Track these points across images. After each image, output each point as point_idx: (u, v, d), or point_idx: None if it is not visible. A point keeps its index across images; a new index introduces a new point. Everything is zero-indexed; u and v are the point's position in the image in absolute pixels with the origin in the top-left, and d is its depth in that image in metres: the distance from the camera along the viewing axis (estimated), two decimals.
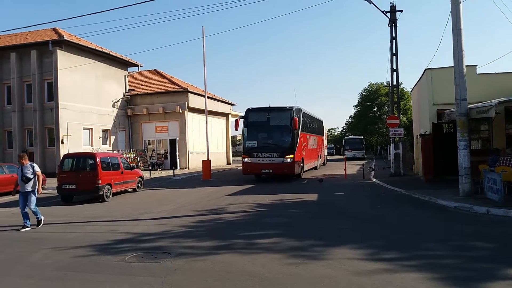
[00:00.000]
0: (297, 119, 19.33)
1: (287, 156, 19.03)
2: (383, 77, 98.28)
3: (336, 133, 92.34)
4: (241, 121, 20.68)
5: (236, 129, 20.82)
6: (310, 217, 10.34)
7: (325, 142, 37.56)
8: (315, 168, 27.04)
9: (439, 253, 6.52)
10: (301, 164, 20.93)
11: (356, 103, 62.54)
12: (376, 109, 58.56)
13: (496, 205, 10.35)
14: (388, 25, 21.24)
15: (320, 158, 30.26)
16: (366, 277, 5.42)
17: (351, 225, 9.14)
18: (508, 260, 6.04)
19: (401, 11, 21.04)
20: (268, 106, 20.76)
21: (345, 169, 21.76)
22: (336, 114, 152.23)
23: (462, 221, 9.28)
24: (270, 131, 19.96)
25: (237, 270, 5.91)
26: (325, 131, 37.15)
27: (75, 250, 7.46)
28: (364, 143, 52.89)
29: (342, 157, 35.09)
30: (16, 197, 10.48)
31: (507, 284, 5.03)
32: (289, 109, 19.81)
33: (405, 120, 43.81)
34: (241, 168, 21.16)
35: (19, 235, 9.33)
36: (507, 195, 11.31)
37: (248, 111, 20.41)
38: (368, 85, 59.69)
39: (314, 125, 27.36)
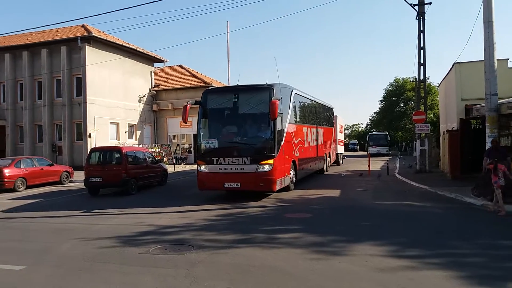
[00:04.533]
0: (277, 102, 11.67)
1: (263, 162, 12.06)
2: (409, 71, 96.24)
3: (360, 129, 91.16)
4: (195, 110, 13.81)
5: (185, 120, 12.95)
6: (332, 213, 10.28)
7: (339, 135, 28.98)
8: (320, 171, 20.73)
9: (464, 252, 6.42)
10: (291, 172, 13.99)
11: (382, 98, 61.57)
12: (402, 104, 57.47)
13: None
14: (416, 18, 20.79)
15: (329, 157, 23.29)
16: (388, 273, 5.37)
17: (373, 221, 9.04)
18: None
19: (430, 3, 20.53)
20: (236, 85, 14.40)
21: (368, 165, 21.48)
22: (361, 109, 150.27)
23: (488, 219, 9.05)
24: (238, 123, 12.96)
25: (259, 264, 5.96)
26: (339, 121, 28.25)
27: (101, 241, 7.68)
28: (389, 139, 52.06)
29: (365, 153, 33.82)
30: (45, 189, 10.82)
31: None
32: (268, 88, 12.50)
33: (431, 115, 42.83)
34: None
35: (47, 226, 9.65)
36: None
37: (207, 93, 13.42)
38: (394, 80, 58.61)
39: (317, 113, 20.36)
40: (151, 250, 6.92)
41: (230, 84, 23.67)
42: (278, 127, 12.57)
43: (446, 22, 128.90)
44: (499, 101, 12.37)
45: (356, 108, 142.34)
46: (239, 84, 14.15)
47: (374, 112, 69.00)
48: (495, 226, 8.41)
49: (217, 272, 5.64)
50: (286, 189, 13.66)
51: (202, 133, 13.05)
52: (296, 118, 15.51)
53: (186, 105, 13.03)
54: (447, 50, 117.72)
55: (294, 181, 14.47)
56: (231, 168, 12.30)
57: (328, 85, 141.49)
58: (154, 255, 6.67)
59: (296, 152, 14.96)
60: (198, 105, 13.23)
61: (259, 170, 12.08)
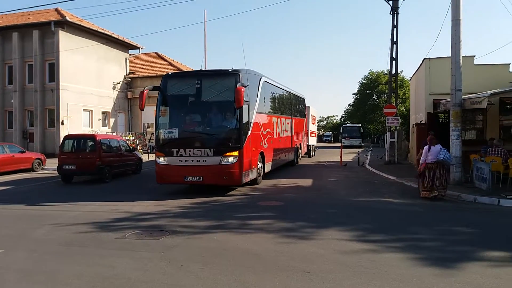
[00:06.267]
0: (243, 89, 10.90)
1: (227, 154, 11.35)
2: (384, 65, 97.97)
3: (335, 121, 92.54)
4: (153, 97, 13.28)
5: (142, 107, 11.94)
6: (303, 201, 10.69)
7: (312, 126, 28.49)
8: (290, 164, 19.99)
9: (423, 237, 6.90)
10: (258, 164, 13.33)
11: (356, 91, 62.65)
12: (375, 97, 58.61)
13: (483, 194, 10.72)
14: (390, 13, 21.34)
15: (300, 148, 22.63)
16: (352, 256, 5.78)
17: (341, 209, 9.50)
18: (486, 244, 6.40)
19: None
20: (199, 70, 13.62)
21: (340, 156, 22.08)
22: (336, 102, 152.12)
23: (448, 208, 9.63)
24: (200, 111, 12.25)
25: (231, 248, 6.28)
26: (311, 112, 27.78)
27: (77, 227, 7.82)
28: (362, 131, 53.20)
29: (339, 144, 34.53)
30: (16, 176, 10.77)
31: (480, 265, 5.39)
32: (233, 74, 11.70)
33: (403, 109, 44.04)
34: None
35: (22, 212, 9.68)
36: (495, 184, 11.72)
37: (167, 77, 12.52)
38: (369, 73, 59.60)
39: (287, 103, 19.68)
40: (127, 235, 7.12)
41: None
42: (245, 116, 11.79)
43: (422, 18, 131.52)
44: (463, 97, 13.03)
45: (332, 100, 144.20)
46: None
47: (349, 105, 70.25)
48: (454, 214, 8.97)
49: (191, 255, 5.91)
50: (253, 182, 13.17)
51: (161, 122, 12.08)
52: (265, 107, 14.71)
53: (143, 91, 11.88)
54: (424, 45, 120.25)
55: (262, 174, 13.87)
56: (192, 160, 11.47)
57: (304, 76, 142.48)
58: (131, 239, 6.88)
59: (265, 144, 14.27)
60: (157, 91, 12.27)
61: (223, 163, 11.33)
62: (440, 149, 10.62)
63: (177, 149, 11.58)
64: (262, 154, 13.84)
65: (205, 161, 11.41)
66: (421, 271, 5.12)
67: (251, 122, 12.47)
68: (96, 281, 4.94)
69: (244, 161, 11.74)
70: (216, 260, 5.65)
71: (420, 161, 10.83)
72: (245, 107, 11.61)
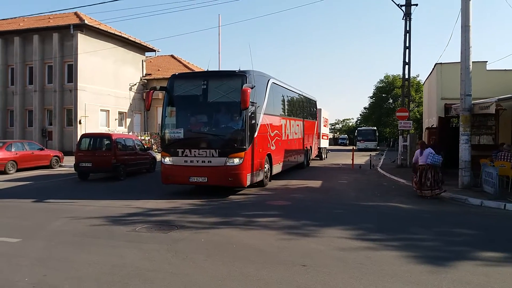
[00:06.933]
0: (249, 90, 10.90)
1: (233, 155, 11.29)
2: (399, 69, 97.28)
3: (351, 124, 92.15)
4: (159, 98, 13.03)
5: (148, 107, 12.67)
6: (310, 201, 10.92)
7: (323, 129, 28.25)
8: (300, 166, 19.76)
9: (422, 237, 7.08)
10: (265, 166, 13.20)
11: (371, 94, 62.45)
12: (391, 100, 58.38)
13: (490, 198, 10.77)
14: (403, 19, 21.40)
15: (310, 151, 22.17)
16: (350, 252, 6.01)
17: (346, 209, 9.72)
18: (483, 245, 6.56)
19: (416, 5, 21.15)
20: (206, 70, 13.83)
21: (352, 159, 22.19)
22: (353, 105, 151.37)
23: (454, 210, 9.74)
24: (207, 112, 12.26)
25: (235, 242, 6.58)
26: (323, 115, 27.74)
27: (91, 220, 8.23)
28: (377, 134, 52.93)
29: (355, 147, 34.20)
30: (35, 172, 11.24)
31: (472, 264, 5.56)
32: (240, 75, 11.63)
33: (417, 114, 43.79)
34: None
35: (40, 206, 10.16)
36: (504, 189, 11.76)
37: (174, 78, 12.55)
38: (384, 77, 59.45)
39: (297, 106, 19.55)
40: (137, 229, 7.48)
41: None
42: (251, 117, 11.73)
43: (436, 22, 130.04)
44: (473, 102, 13.08)
45: (349, 103, 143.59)
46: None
47: (364, 108, 69.97)
48: (458, 217, 9.09)
49: (196, 248, 6.24)
50: (260, 184, 12.98)
51: (167, 122, 12.14)
52: (273, 109, 14.52)
53: (149, 91, 12.11)
54: (441, 49, 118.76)
55: (269, 176, 13.71)
56: (197, 161, 11.44)
57: (322, 80, 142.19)
58: (140, 233, 7.24)
59: (272, 145, 14.09)
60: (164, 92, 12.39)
61: (228, 164, 11.22)
62: (429, 153, 11.54)
63: (182, 150, 11.58)
64: (269, 156, 13.73)
65: (210, 162, 11.35)
66: (414, 268, 5.33)
67: (258, 124, 12.34)
68: (106, 268, 5.30)
69: (250, 162, 11.69)
70: (219, 253, 5.95)
71: (413, 162, 12.20)
72: (251, 108, 11.65)
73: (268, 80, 14.11)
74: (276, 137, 14.69)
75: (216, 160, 11.32)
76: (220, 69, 13.84)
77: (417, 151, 11.99)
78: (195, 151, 11.47)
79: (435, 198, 11.32)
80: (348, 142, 72.38)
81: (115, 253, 5.96)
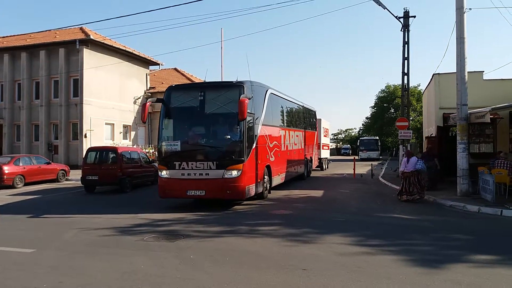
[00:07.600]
0: (246, 100, 10.71)
1: (231, 167, 11.06)
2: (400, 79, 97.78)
3: (353, 133, 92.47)
4: (155, 110, 12.63)
5: (144, 119, 12.32)
6: (312, 210, 11.23)
7: (324, 139, 28.53)
8: (301, 177, 19.67)
9: (419, 242, 7.38)
10: (264, 178, 12.98)
11: (373, 104, 62.87)
12: (392, 110, 58.75)
13: (487, 204, 11.06)
14: (401, 30, 21.85)
15: (310, 161, 22.16)
16: (348, 257, 6.33)
17: (347, 217, 10.03)
18: (477, 249, 6.86)
19: (414, 16, 21.60)
20: (203, 81, 12.93)
21: (353, 169, 22.49)
22: (355, 115, 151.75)
23: (452, 217, 10.03)
24: (204, 124, 12.08)
25: (238, 249, 6.91)
26: (323, 125, 27.96)
27: (100, 231, 8.56)
28: (380, 144, 53.20)
29: (356, 157, 34.25)
30: (42, 186, 11.56)
31: (465, 266, 5.86)
32: (237, 85, 11.53)
33: (417, 123, 44.12)
34: None
35: (50, 218, 10.52)
36: (502, 196, 12.04)
37: (170, 89, 12.34)
38: (386, 87, 59.92)
39: (296, 116, 19.40)
40: (145, 238, 7.81)
41: None
42: (249, 129, 11.56)
43: (435, 33, 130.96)
44: (469, 111, 13.42)
45: (351, 114, 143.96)
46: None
47: (366, 118, 70.37)
48: (456, 223, 9.36)
49: (202, 255, 6.56)
50: (259, 196, 12.74)
51: (164, 135, 11.99)
52: (271, 120, 14.34)
53: (145, 103, 12.00)
54: (439, 59, 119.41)
55: (268, 187, 13.54)
56: (194, 174, 11.19)
57: (323, 93, 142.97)
58: (148, 242, 7.57)
59: (271, 157, 13.94)
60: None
61: (226, 176, 10.98)
62: (417, 161, 12.83)
63: (179, 162, 11.35)
64: (268, 167, 13.54)
65: (208, 174, 11.12)
66: (409, 270, 5.64)
67: (256, 135, 12.17)
68: (117, 274, 5.63)
69: (249, 174, 11.46)
70: (224, 259, 6.28)
71: (400, 170, 13.26)
72: (249, 119, 11.52)
73: (267, 91, 14.03)
74: (275, 148, 14.60)
75: (214, 173, 11.11)
76: (218, 81, 14.20)
77: (404, 159, 13.15)
78: (192, 164, 11.26)
79: (411, 201, 12.38)
80: (350, 152, 72.57)
81: (125, 261, 6.29)
